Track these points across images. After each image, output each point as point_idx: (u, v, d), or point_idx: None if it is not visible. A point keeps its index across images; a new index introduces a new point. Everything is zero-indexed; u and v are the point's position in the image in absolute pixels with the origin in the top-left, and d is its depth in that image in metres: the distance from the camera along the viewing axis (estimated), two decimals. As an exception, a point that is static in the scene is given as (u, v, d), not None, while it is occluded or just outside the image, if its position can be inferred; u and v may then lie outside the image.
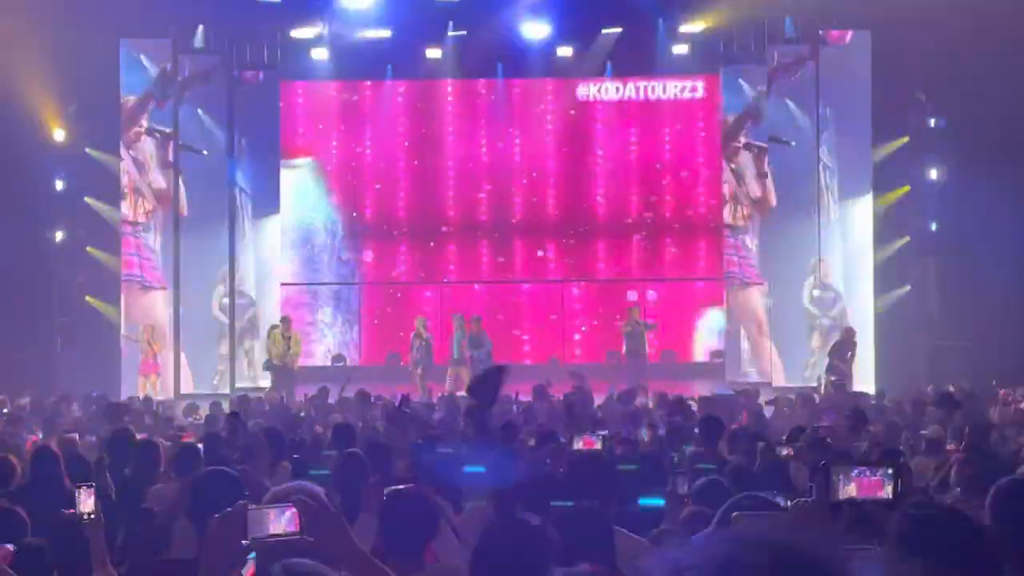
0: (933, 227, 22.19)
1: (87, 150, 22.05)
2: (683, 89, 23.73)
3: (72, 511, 5.09)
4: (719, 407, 13.01)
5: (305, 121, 24.10)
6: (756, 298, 22.31)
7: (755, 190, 22.37)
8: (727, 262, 22.66)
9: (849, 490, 3.17)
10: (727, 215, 22.60)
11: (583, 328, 23.96)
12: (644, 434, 11.17)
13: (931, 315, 21.87)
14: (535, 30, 22.27)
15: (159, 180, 21.80)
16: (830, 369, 19.70)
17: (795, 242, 21.57)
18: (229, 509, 3.13)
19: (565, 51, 22.82)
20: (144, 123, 21.76)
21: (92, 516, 5.05)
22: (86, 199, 22.13)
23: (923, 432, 10.48)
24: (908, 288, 21.82)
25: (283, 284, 23.54)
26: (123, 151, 21.70)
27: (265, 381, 20.80)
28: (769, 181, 22.20)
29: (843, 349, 19.96)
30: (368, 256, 24.20)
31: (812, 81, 21.59)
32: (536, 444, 9.03)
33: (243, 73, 22.71)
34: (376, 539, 4.85)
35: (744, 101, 22.43)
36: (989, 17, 18.79)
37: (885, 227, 21.81)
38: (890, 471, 3.18)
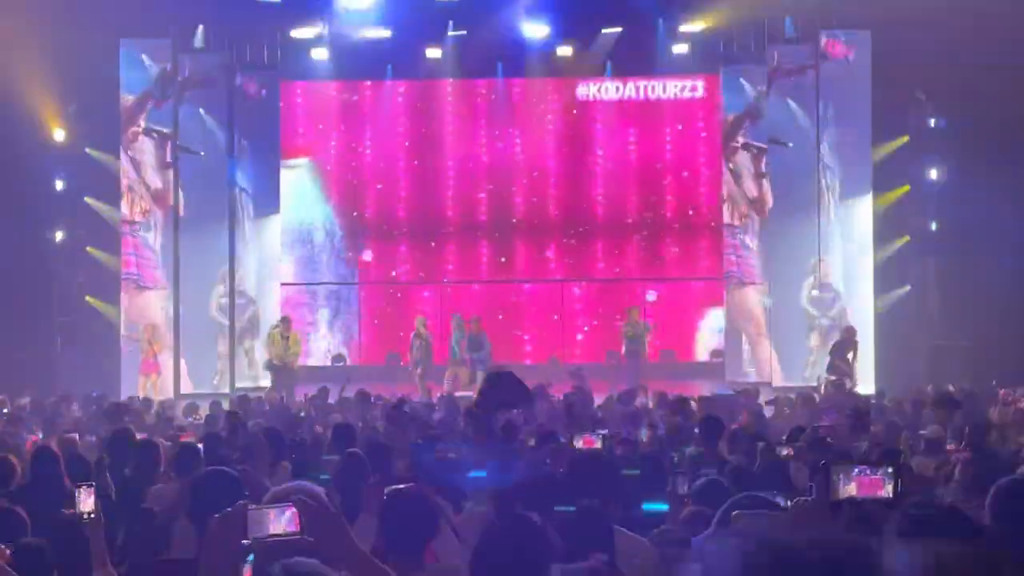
0: (933, 227, 22.18)
1: (87, 150, 22.05)
2: (683, 89, 23.73)
3: (72, 511, 5.09)
4: (719, 407, 13.01)
5: (305, 121, 24.09)
6: (753, 298, 22.31)
7: (752, 190, 22.39)
8: (726, 262, 22.68)
9: (849, 489, 3.17)
10: (725, 214, 22.61)
11: (585, 328, 23.96)
12: (644, 434, 11.17)
13: (931, 315, 21.87)
14: (535, 30, 22.26)
15: (156, 180, 21.80)
16: (831, 368, 19.69)
17: (795, 242, 21.56)
18: (229, 509, 3.13)
19: (565, 51, 22.81)
20: (142, 123, 21.75)
21: (92, 516, 5.05)
22: (86, 199, 22.13)
23: (922, 432, 10.48)
24: (908, 288, 21.81)
25: (283, 284, 23.54)
26: (121, 151, 21.71)
27: (265, 381, 20.80)
28: (766, 182, 22.23)
29: (844, 348, 19.94)
30: (368, 256, 24.20)
31: (812, 81, 21.58)
32: (536, 444, 9.03)
33: (245, 86, 22.70)
34: (376, 539, 4.85)
35: (744, 100, 22.43)
36: (989, 16, 18.79)
37: (885, 227, 21.80)
38: (890, 470, 3.18)
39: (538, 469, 7.31)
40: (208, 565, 3.14)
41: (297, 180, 23.91)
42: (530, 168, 24.03)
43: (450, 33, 22.55)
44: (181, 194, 21.86)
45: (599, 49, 23.06)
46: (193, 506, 5.62)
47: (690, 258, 23.99)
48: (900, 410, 13.72)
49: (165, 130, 21.83)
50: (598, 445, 7.72)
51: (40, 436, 12.10)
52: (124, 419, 12.42)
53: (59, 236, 22.49)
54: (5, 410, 15.05)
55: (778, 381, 20.91)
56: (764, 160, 22.18)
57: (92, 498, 5.06)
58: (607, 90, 23.87)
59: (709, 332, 23.61)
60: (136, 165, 21.71)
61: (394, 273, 24.20)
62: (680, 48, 22.63)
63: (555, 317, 23.95)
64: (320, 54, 22.66)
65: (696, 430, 9.99)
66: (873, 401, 15.78)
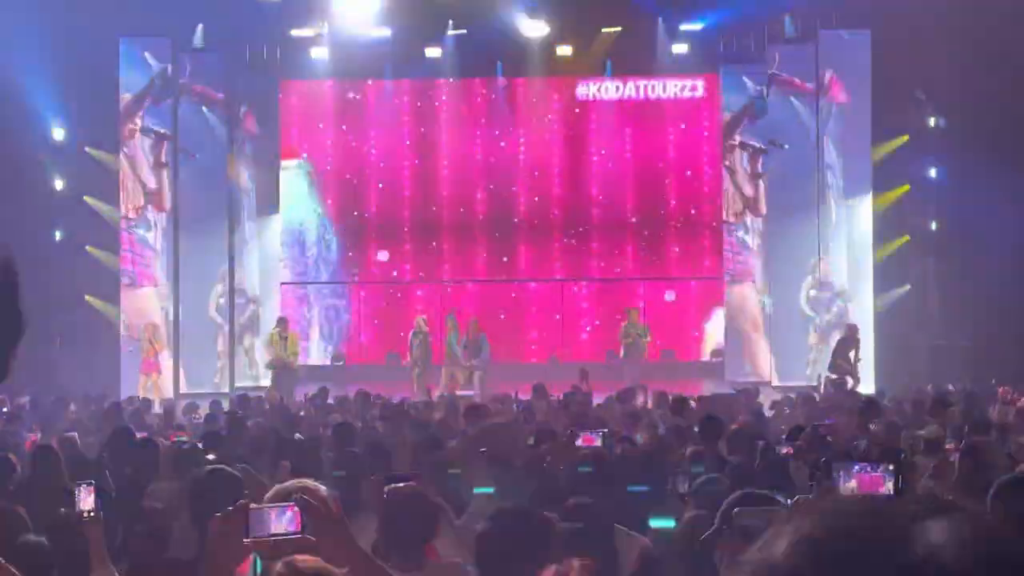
0: (933, 226, 22.18)
1: (86, 149, 22.05)
2: (683, 88, 23.74)
3: (67, 510, 5.08)
4: (719, 406, 13.01)
5: (305, 120, 24.10)
6: (750, 296, 22.34)
7: (748, 190, 22.45)
8: (724, 260, 22.71)
9: (850, 486, 3.17)
10: (723, 213, 22.69)
11: (588, 328, 23.96)
12: (642, 435, 11.15)
13: (931, 314, 21.86)
14: (534, 29, 22.26)
15: (151, 180, 21.80)
16: (832, 367, 19.68)
17: (795, 242, 21.57)
18: (230, 508, 3.12)
19: (564, 50, 22.82)
20: (138, 122, 21.75)
21: (92, 514, 5.04)
22: (85, 198, 22.12)
23: (920, 432, 10.46)
24: (908, 287, 21.82)
25: (283, 284, 23.55)
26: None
27: (265, 380, 20.81)
28: (761, 183, 22.28)
29: (846, 347, 19.91)
30: (368, 255, 24.20)
31: (812, 80, 21.59)
32: (535, 442, 9.03)
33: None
34: (377, 537, 4.85)
35: (744, 99, 22.44)
36: (989, 16, 18.80)
37: (885, 226, 21.80)
38: (891, 467, 3.18)
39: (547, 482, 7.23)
40: (209, 565, 3.14)
41: (297, 179, 23.91)
42: (530, 167, 24.03)
43: (449, 32, 22.55)
44: (180, 193, 21.87)
45: (599, 48, 23.07)
46: (193, 505, 5.61)
47: (690, 257, 24.00)
48: (900, 410, 13.71)
49: (162, 130, 21.84)
50: (598, 443, 7.71)
51: (39, 436, 12.09)
52: (124, 419, 12.42)
53: (58, 235, 22.49)
54: (5, 409, 15.04)
55: (777, 381, 20.93)
56: (761, 160, 22.21)
57: (92, 497, 5.05)
58: (607, 89, 23.88)
59: (709, 331, 23.62)
60: (131, 163, 21.72)
61: (395, 273, 24.20)
62: (680, 47, 22.63)
63: (557, 317, 23.95)
64: (320, 53, 22.67)
65: (696, 429, 9.98)
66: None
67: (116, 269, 21.76)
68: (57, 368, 21.08)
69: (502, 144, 24.03)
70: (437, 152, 24.03)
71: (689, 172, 23.98)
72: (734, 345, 22.31)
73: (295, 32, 22.25)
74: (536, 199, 24.07)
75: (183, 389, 21.17)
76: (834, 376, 19.23)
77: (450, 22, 22.44)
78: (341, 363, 23.18)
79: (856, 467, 3.16)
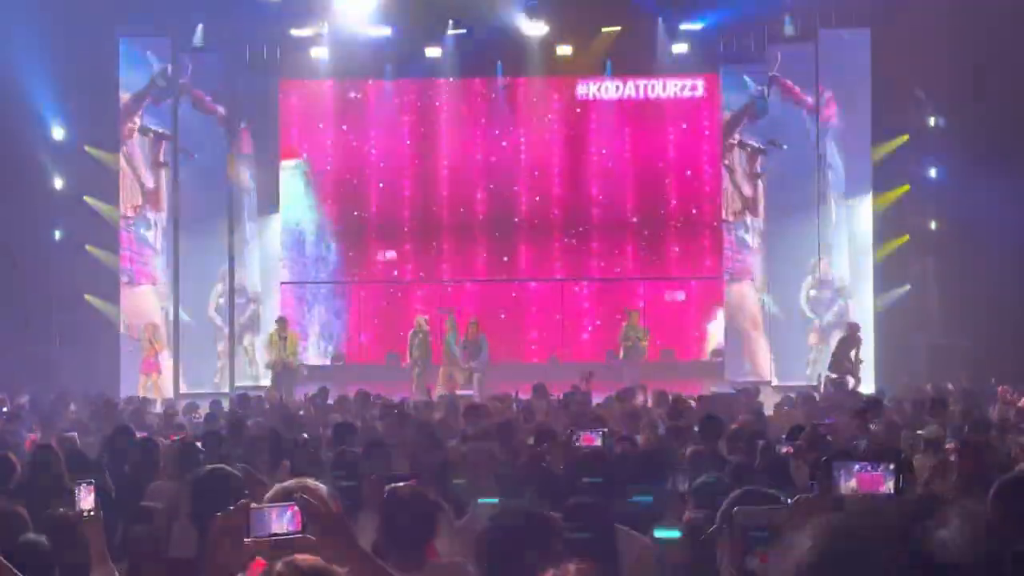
0: (933, 226, 22.18)
1: (86, 148, 22.05)
2: (683, 88, 23.74)
3: (69, 509, 5.08)
4: (718, 406, 13.01)
5: (305, 120, 24.09)
6: (750, 295, 22.34)
7: (746, 189, 22.47)
8: (724, 259, 22.73)
9: (851, 485, 3.17)
10: (723, 212, 22.70)
11: (590, 328, 23.96)
12: (642, 435, 11.15)
13: (931, 314, 21.85)
14: (534, 29, 22.26)
15: (149, 179, 21.80)
16: (833, 366, 19.67)
17: (795, 242, 21.57)
18: (231, 508, 3.12)
19: (564, 50, 22.81)
20: (137, 121, 21.75)
21: (92, 513, 5.04)
22: (85, 198, 22.12)
23: (919, 432, 10.47)
24: (908, 287, 21.81)
25: (283, 283, 23.56)
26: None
27: (265, 380, 20.82)
28: (760, 182, 22.28)
29: (847, 346, 19.90)
30: (368, 255, 24.20)
31: (812, 79, 21.58)
32: (535, 442, 9.03)
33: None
34: (377, 537, 4.85)
35: (745, 99, 22.44)
36: (989, 14, 18.80)
37: (885, 226, 21.80)
38: (891, 466, 3.18)
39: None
40: (210, 564, 3.14)
41: (297, 179, 23.91)
42: (530, 167, 24.03)
43: (450, 32, 22.55)
44: (180, 193, 21.87)
45: (599, 48, 23.06)
46: (193, 505, 5.62)
47: (690, 257, 24.00)
48: (900, 410, 13.71)
49: (161, 129, 21.84)
50: (598, 443, 7.71)
51: (39, 435, 12.09)
52: (122, 417, 12.41)
53: (58, 234, 22.49)
54: (4, 408, 15.05)
55: (777, 380, 20.93)
56: (760, 160, 22.21)
57: (92, 495, 5.05)
58: (607, 89, 23.88)
59: (710, 331, 23.62)
60: (130, 162, 21.72)
61: (395, 273, 24.20)
62: (680, 47, 22.63)
63: (558, 317, 23.95)
64: (320, 53, 22.66)
65: (696, 429, 9.98)
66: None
67: (116, 269, 21.76)
68: (57, 368, 21.08)
69: (502, 144, 24.03)
70: (437, 152, 24.02)
71: (689, 172, 23.98)
72: (734, 345, 22.32)
73: (295, 32, 22.24)
74: (536, 199, 24.07)
75: (183, 389, 21.17)
76: (835, 375, 19.22)
77: (450, 22, 22.44)
78: (341, 363, 23.17)
79: (856, 467, 3.16)
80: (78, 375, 19.87)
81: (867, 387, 19.15)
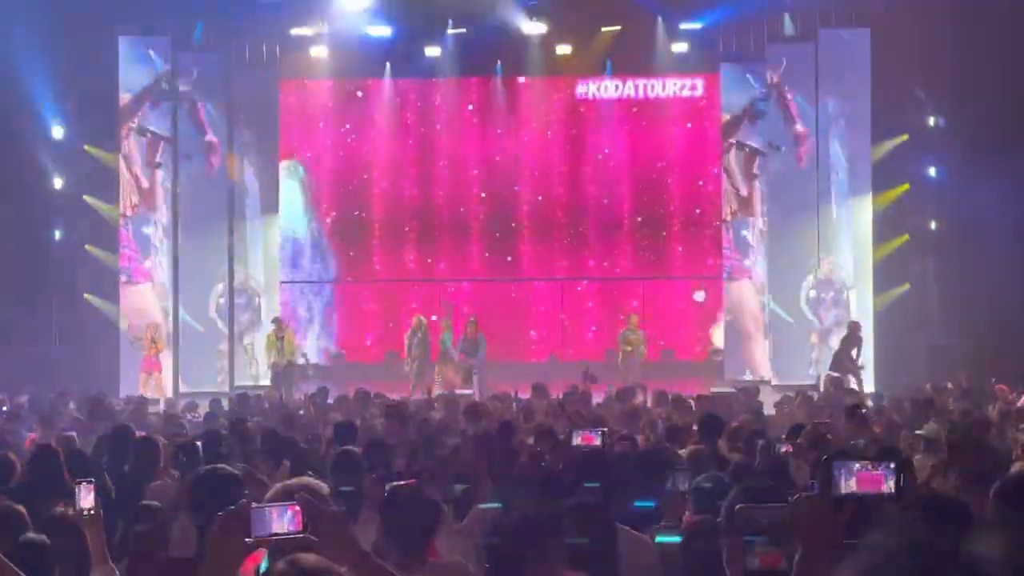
0: (932, 226, 22.17)
1: (86, 148, 22.05)
2: (683, 87, 23.73)
3: (69, 508, 5.08)
4: (718, 405, 13.01)
5: (304, 120, 24.08)
6: (750, 295, 22.34)
7: (743, 189, 22.48)
8: (724, 259, 22.72)
9: (851, 485, 3.16)
10: (722, 211, 22.71)
11: (593, 328, 23.95)
12: (642, 434, 11.15)
13: (930, 314, 21.85)
14: (534, 28, 22.25)
15: (150, 178, 21.80)
16: (834, 366, 19.65)
17: (795, 242, 21.57)
18: (232, 507, 3.13)
19: (564, 49, 22.81)
20: (136, 121, 21.75)
21: (92, 512, 5.04)
22: (85, 197, 22.12)
23: (918, 432, 10.47)
24: (907, 287, 21.81)
25: (282, 283, 23.55)
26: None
27: (265, 380, 20.83)
28: (757, 183, 22.28)
29: (849, 345, 19.89)
30: (367, 255, 24.19)
31: (812, 80, 21.58)
32: (534, 441, 9.03)
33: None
34: (378, 536, 4.85)
35: (744, 98, 22.43)
36: (989, 14, 18.80)
37: (884, 225, 21.80)
38: (892, 466, 3.18)
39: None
40: (211, 564, 3.14)
41: (297, 178, 23.90)
42: (530, 167, 24.02)
43: (449, 32, 22.55)
44: (180, 193, 21.88)
45: (599, 47, 23.06)
46: (193, 504, 5.62)
47: (689, 257, 23.99)
48: (900, 409, 13.71)
49: (160, 130, 21.83)
50: (597, 442, 7.71)
51: (38, 434, 12.09)
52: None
53: (58, 234, 22.49)
54: (4, 408, 15.05)
55: (777, 380, 20.92)
56: (757, 161, 22.22)
57: (92, 494, 5.06)
58: (607, 89, 23.87)
59: (711, 331, 23.60)
60: (128, 161, 21.73)
61: (395, 272, 24.19)
62: (680, 47, 22.62)
63: (561, 316, 23.93)
64: (319, 52, 22.65)
65: (695, 428, 9.98)
66: (871, 403, 15.75)
67: (115, 268, 21.77)
68: (57, 367, 21.09)
69: (502, 144, 24.01)
70: (437, 151, 24.01)
71: (689, 171, 23.96)
72: (734, 344, 22.31)
73: (295, 31, 22.25)
74: (537, 198, 24.06)
75: (183, 388, 21.17)
76: (835, 375, 19.21)
77: (450, 21, 22.44)
78: (340, 362, 23.16)
79: (856, 466, 3.15)
80: (78, 374, 19.87)
81: (867, 387, 19.16)
